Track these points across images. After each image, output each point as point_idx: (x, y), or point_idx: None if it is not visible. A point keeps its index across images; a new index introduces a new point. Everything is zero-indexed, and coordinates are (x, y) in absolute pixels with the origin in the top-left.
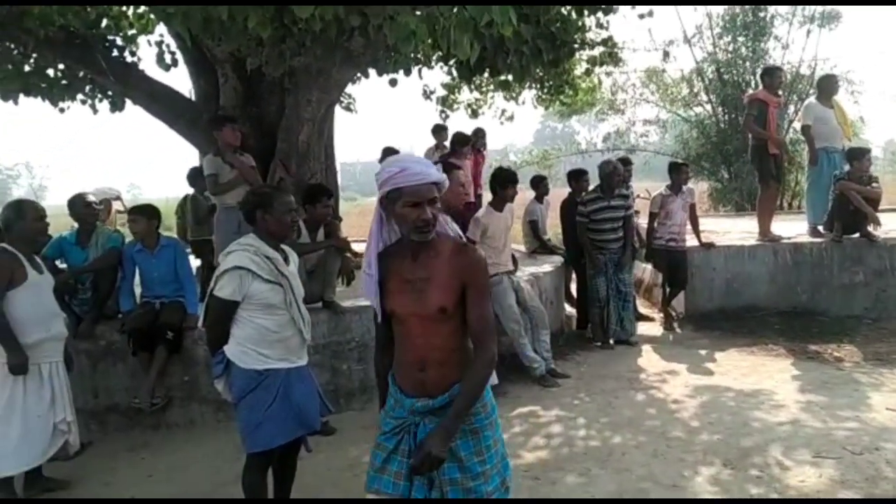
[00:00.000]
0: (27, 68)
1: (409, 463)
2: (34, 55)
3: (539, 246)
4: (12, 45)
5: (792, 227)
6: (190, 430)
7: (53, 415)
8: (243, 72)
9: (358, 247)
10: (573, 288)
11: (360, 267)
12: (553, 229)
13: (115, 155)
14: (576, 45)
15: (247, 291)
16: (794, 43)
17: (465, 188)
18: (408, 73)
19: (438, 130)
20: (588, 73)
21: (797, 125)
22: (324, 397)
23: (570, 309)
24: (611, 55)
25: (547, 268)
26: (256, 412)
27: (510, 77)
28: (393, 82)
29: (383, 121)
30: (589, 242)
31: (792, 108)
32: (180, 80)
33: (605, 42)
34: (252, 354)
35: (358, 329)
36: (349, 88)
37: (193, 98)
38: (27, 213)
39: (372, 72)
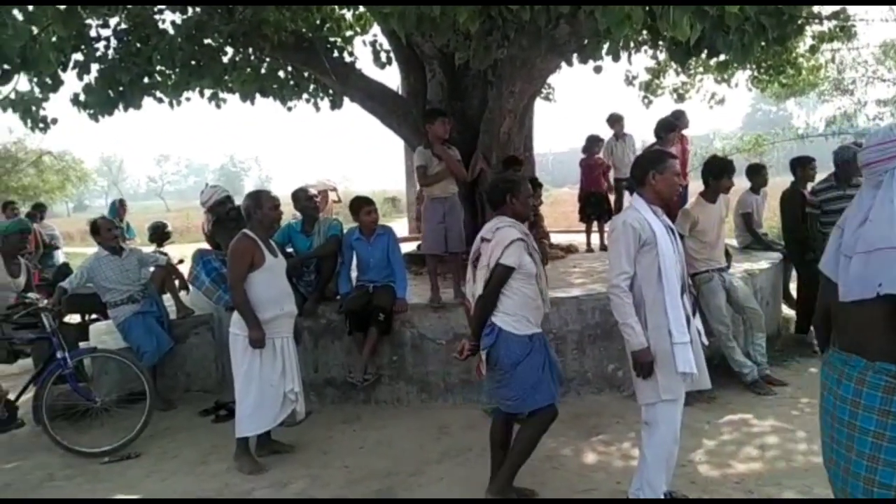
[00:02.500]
0: (262, 71)
1: None
2: (268, 59)
3: (753, 241)
4: (251, 51)
5: None
6: (396, 408)
7: (284, 384)
8: (449, 67)
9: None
10: (793, 287)
11: (556, 258)
12: (768, 223)
13: (330, 148)
14: (803, 20)
15: (520, 261)
16: None
17: (679, 178)
18: (616, 58)
19: (617, 120)
20: (813, 50)
21: None
22: None
23: (788, 310)
24: (842, 29)
25: (763, 265)
26: (534, 372)
27: (729, 57)
28: (598, 69)
29: (573, 110)
30: (820, 237)
31: None
32: (390, 78)
33: (836, 15)
34: (523, 321)
35: (555, 320)
36: (549, 78)
37: (403, 94)
38: (265, 203)
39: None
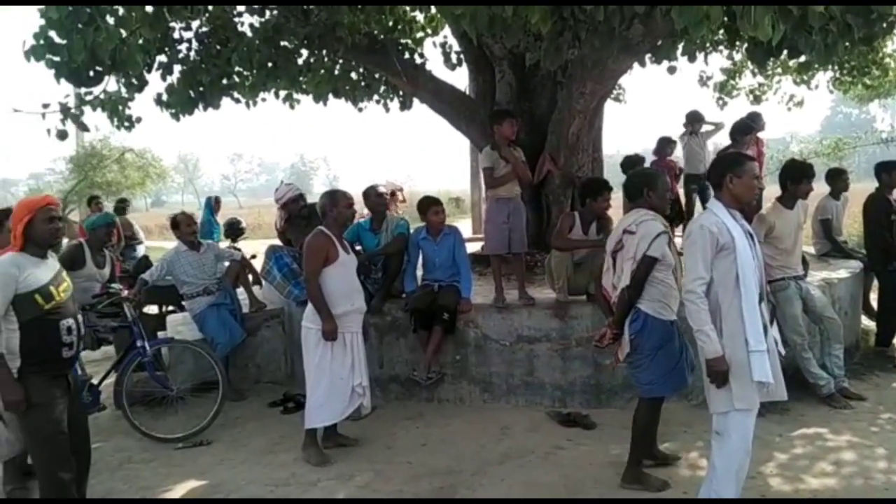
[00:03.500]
0: (336, 73)
1: None
2: (341, 61)
3: (832, 248)
4: (325, 53)
5: None
6: (458, 407)
7: (352, 378)
8: (518, 68)
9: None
10: (873, 298)
11: None
12: (848, 230)
13: (395, 148)
14: (894, 18)
15: (663, 252)
16: None
17: (758, 181)
18: (692, 59)
19: (698, 119)
20: None
21: None
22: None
23: (868, 322)
24: None
25: (842, 273)
26: (672, 358)
27: (811, 58)
28: (672, 70)
29: (642, 110)
30: None
31: None
32: (457, 79)
33: None
34: (666, 308)
35: None
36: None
37: (471, 95)
38: (339, 201)
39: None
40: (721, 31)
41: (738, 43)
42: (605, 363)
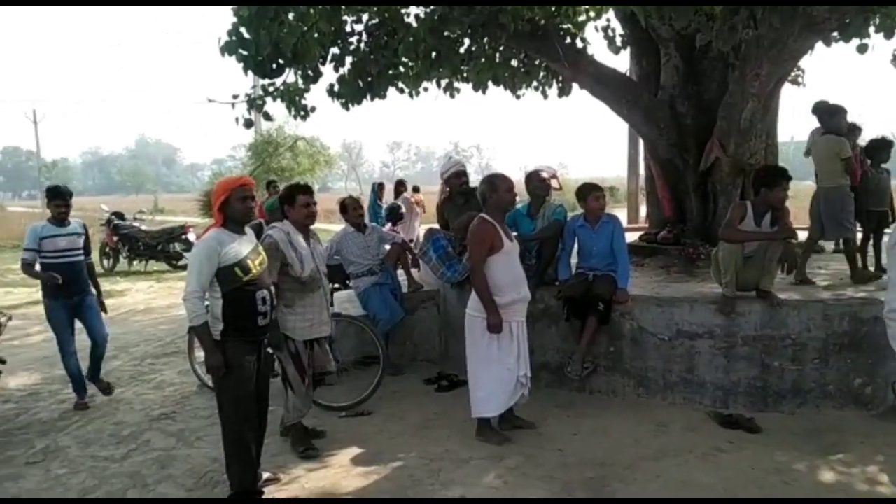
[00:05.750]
0: (496, 60)
1: None
2: (502, 48)
3: None
4: (486, 41)
5: None
6: (610, 399)
7: (517, 369)
8: (686, 49)
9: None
10: None
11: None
12: None
13: (546, 135)
14: None
15: None
16: None
17: None
18: (889, 35)
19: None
20: None
21: None
22: None
23: None
24: None
25: None
26: None
27: None
28: (862, 49)
29: (817, 92)
30: None
31: None
32: (616, 63)
33: None
34: None
35: (795, 325)
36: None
37: (634, 78)
38: (500, 185)
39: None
40: None
41: None
42: (773, 365)
